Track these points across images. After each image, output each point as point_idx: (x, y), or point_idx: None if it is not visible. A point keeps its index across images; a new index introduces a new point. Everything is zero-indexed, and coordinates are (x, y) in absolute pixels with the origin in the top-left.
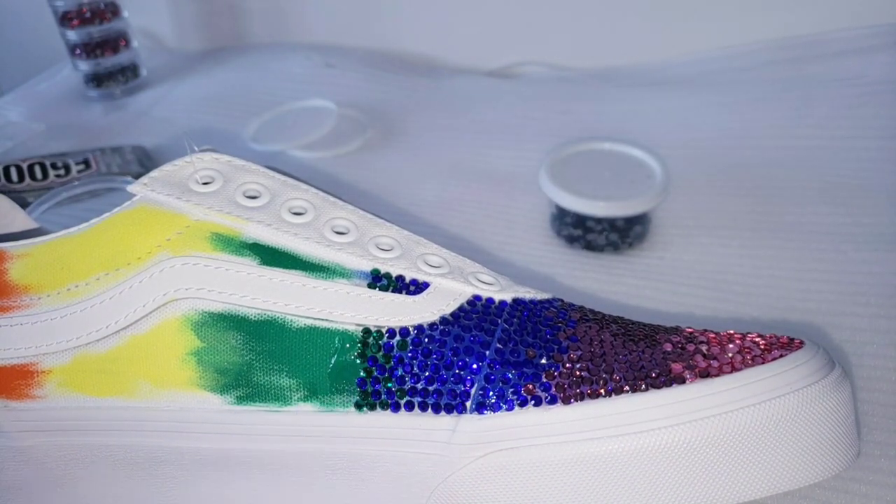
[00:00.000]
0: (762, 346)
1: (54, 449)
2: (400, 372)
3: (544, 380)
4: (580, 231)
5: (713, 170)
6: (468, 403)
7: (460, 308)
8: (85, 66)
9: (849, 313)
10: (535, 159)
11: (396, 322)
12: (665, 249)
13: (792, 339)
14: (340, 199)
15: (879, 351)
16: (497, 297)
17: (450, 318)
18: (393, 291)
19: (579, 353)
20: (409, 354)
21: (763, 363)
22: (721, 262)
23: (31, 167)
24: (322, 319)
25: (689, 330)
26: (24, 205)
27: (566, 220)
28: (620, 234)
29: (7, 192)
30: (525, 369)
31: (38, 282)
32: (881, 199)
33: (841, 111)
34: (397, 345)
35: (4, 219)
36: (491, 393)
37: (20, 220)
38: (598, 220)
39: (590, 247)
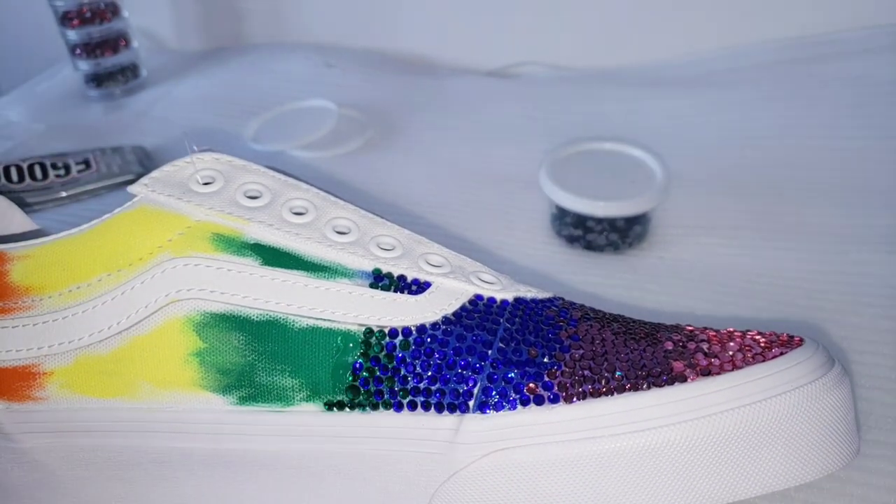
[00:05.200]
0: (762, 344)
1: (57, 450)
2: (402, 372)
3: (546, 379)
4: (580, 231)
5: (713, 170)
6: (471, 403)
7: (462, 307)
8: (85, 66)
9: (850, 314)
10: (535, 159)
11: (398, 322)
12: (665, 249)
13: (792, 337)
14: (341, 198)
15: (881, 349)
16: (499, 297)
17: (452, 317)
18: (395, 291)
19: (581, 351)
20: (412, 354)
21: (764, 361)
22: (721, 263)
23: (31, 167)
24: (324, 319)
25: (690, 328)
26: (22, 205)
27: (566, 220)
28: (621, 234)
29: (6, 193)
30: (527, 368)
31: (40, 283)
32: (883, 199)
33: (843, 111)
34: (399, 344)
35: (3, 220)
36: (493, 392)
37: (18, 220)
38: (599, 220)
39: (590, 247)
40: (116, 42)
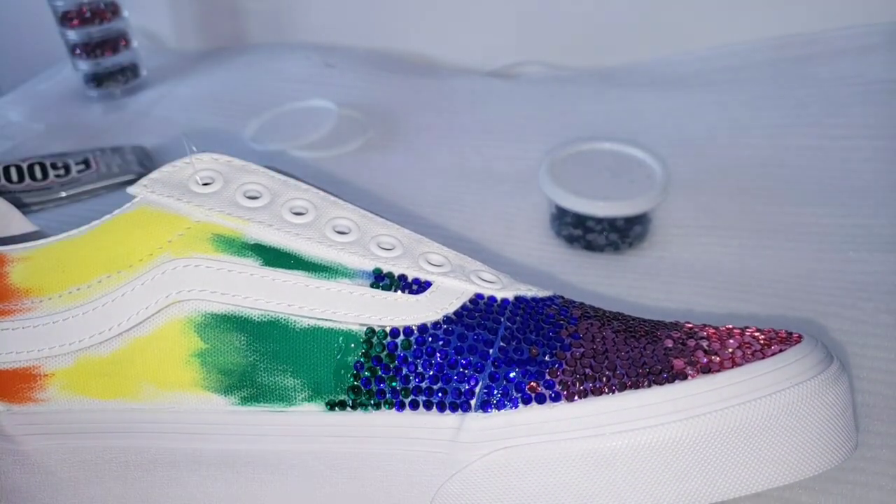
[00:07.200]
0: (761, 341)
1: (58, 452)
2: (404, 371)
3: (548, 377)
4: (580, 231)
5: (713, 170)
6: (473, 402)
7: (463, 307)
8: (85, 66)
9: (849, 310)
10: (535, 159)
11: (400, 321)
12: (665, 249)
13: (790, 333)
14: (341, 198)
15: (883, 342)
16: (499, 296)
17: (453, 316)
18: (395, 291)
19: (582, 350)
20: (413, 353)
21: (763, 358)
22: (721, 262)
23: (30, 167)
24: (325, 320)
25: (689, 325)
26: (21, 205)
27: (566, 220)
28: (620, 234)
29: (5, 193)
30: (528, 367)
31: (40, 285)
32: (880, 198)
33: (839, 110)
34: (401, 344)
35: (2, 221)
36: (495, 391)
37: (17, 222)
38: (599, 220)
39: (590, 247)
40: (116, 42)
